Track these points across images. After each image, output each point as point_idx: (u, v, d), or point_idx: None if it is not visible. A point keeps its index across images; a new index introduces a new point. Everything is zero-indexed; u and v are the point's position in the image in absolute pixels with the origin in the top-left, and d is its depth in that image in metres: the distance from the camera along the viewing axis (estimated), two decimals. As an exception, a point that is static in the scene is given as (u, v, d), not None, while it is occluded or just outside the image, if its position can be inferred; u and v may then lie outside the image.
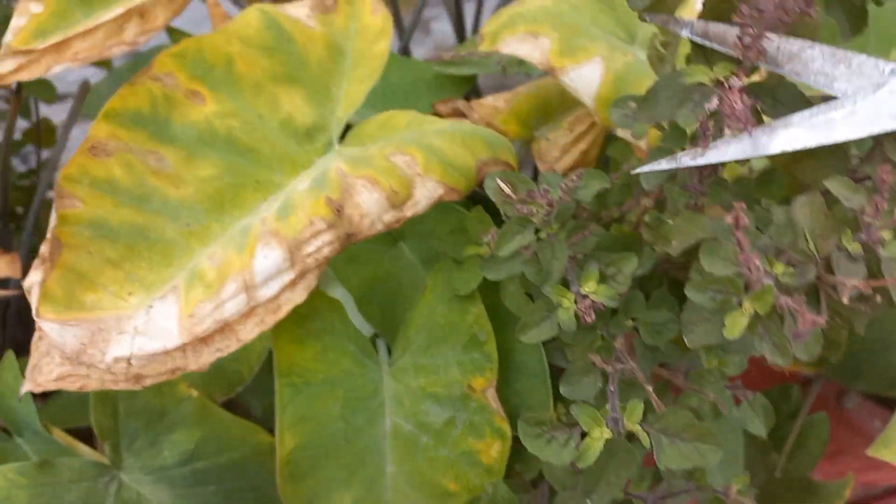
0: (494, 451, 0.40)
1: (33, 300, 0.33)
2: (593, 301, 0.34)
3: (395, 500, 0.39)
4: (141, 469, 0.40)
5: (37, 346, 0.34)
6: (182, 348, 0.34)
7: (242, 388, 0.45)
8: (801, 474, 0.61)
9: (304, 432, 0.38)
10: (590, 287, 0.34)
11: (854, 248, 0.30)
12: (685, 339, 0.32)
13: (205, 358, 0.35)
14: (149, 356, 0.34)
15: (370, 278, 0.44)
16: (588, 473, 0.34)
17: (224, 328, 0.35)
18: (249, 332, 0.36)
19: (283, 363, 0.38)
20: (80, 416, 0.44)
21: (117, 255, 0.35)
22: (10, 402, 0.41)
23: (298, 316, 0.38)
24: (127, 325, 0.34)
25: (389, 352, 0.42)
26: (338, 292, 0.44)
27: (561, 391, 0.36)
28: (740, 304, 0.29)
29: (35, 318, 0.33)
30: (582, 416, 0.33)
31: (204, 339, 0.35)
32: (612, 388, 0.34)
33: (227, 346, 0.35)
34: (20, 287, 0.44)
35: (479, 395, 0.40)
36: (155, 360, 0.34)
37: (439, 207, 0.39)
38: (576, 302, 0.34)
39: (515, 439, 0.41)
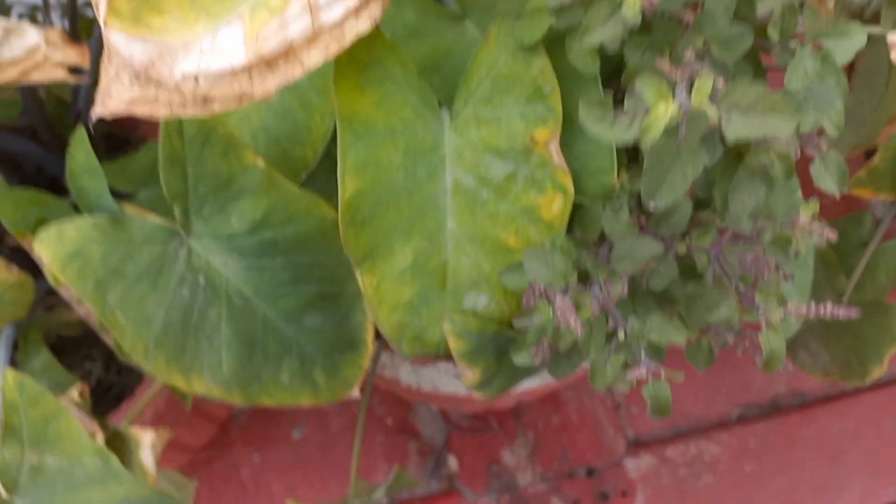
0: (555, 207, 0.39)
1: (101, 12, 0.33)
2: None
3: (456, 254, 0.39)
4: (210, 236, 0.41)
5: (105, 70, 0.34)
6: (248, 71, 0.35)
7: (307, 174, 0.45)
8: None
9: (366, 178, 0.38)
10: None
11: None
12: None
13: (270, 84, 0.35)
14: (216, 75, 0.34)
15: (432, 53, 0.43)
16: (650, 173, 0.32)
17: (289, 52, 0.35)
18: (314, 58, 0.35)
19: (343, 110, 0.38)
20: (148, 178, 0.44)
21: (182, -16, 0.35)
22: (81, 180, 0.42)
23: (359, 62, 0.38)
24: (193, 47, 0.34)
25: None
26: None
27: (626, 102, 0.34)
28: None
29: (102, 27, 0.33)
30: (647, 88, 0.31)
31: (269, 64, 0.35)
32: (682, 85, 0.32)
33: (293, 73, 0.35)
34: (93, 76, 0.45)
35: (541, 149, 0.39)
36: (222, 81, 0.34)
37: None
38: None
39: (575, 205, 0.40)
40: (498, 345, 0.38)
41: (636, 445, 0.88)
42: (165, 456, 0.45)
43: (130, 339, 0.36)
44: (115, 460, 0.33)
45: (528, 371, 0.42)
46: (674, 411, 0.93)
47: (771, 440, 0.88)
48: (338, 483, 0.88)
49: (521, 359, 0.37)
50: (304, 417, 0.91)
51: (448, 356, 0.59)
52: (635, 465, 0.87)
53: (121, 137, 0.67)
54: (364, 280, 0.37)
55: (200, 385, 0.38)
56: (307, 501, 0.86)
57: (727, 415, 0.90)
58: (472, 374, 0.38)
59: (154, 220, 0.40)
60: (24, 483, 0.34)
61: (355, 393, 0.44)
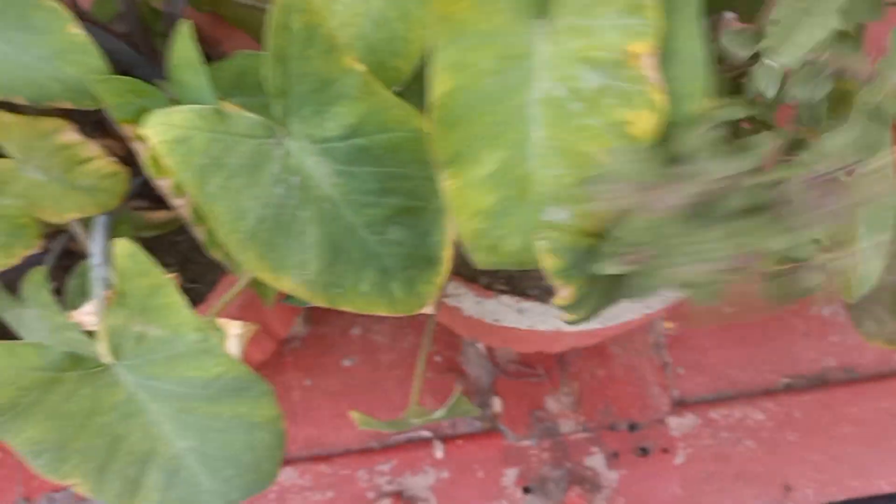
0: (645, 124, 0.39)
1: None
2: None
3: (540, 165, 0.39)
4: (306, 138, 0.42)
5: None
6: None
7: (401, 88, 0.46)
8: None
9: (457, 79, 0.38)
10: None
11: None
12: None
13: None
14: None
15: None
16: (778, 28, 0.32)
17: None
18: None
19: (439, 10, 0.38)
20: (233, 89, 0.46)
21: None
22: (183, 73, 0.44)
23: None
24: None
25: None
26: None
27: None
28: None
29: None
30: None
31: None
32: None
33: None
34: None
35: (636, 63, 0.38)
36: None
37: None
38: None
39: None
40: (591, 262, 0.38)
41: (680, 405, 0.89)
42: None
43: (225, 231, 0.37)
44: (212, 336, 0.35)
45: (619, 292, 0.42)
46: (720, 376, 0.93)
47: (816, 413, 0.88)
48: (384, 412, 0.90)
49: (609, 269, 0.37)
50: (356, 349, 0.93)
51: (516, 274, 0.60)
52: (677, 424, 0.88)
53: (204, 54, 0.69)
54: (448, 184, 0.38)
55: (287, 283, 0.40)
56: (351, 428, 0.89)
57: (774, 383, 0.90)
58: (566, 293, 0.38)
59: (254, 116, 0.41)
60: (128, 350, 0.36)
61: (429, 310, 0.45)
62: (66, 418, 0.35)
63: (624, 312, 0.59)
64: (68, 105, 0.41)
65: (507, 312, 0.60)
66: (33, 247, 0.40)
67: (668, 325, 0.94)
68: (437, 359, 0.93)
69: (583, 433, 0.88)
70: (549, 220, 0.38)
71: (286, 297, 0.45)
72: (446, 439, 0.88)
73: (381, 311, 0.43)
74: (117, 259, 0.33)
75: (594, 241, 0.38)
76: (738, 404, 0.89)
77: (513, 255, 0.39)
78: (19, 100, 0.41)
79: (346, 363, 0.93)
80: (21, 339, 0.51)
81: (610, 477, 0.86)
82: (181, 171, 0.37)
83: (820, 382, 0.90)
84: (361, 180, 0.42)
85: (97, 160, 0.44)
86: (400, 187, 0.43)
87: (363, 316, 0.95)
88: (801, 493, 0.85)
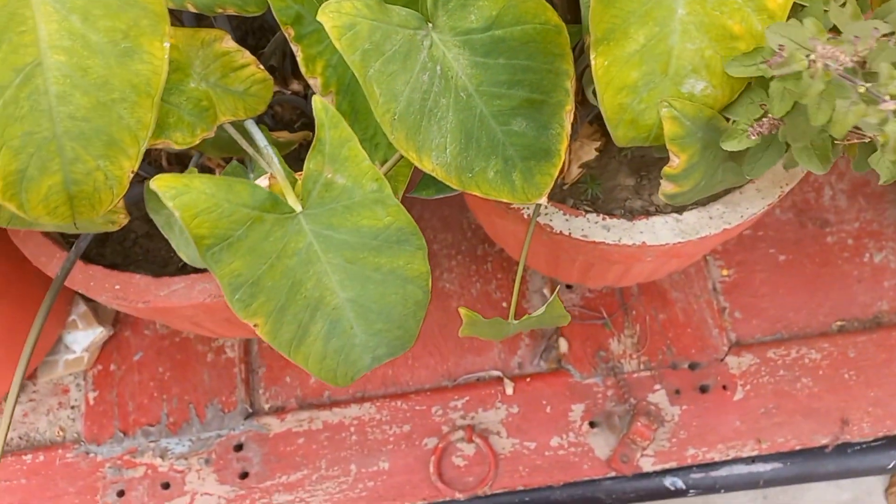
0: None
1: None
2: None
3: (681, 40, 0.43)
4: (450, 30, 0.46)
5: None
6: None
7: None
8: None
9: None
10: None
11: None
12: None
13: None
14: None
15: None
16: None
17: None
18: None
19: None
20: None
21: None
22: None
23: None
24: None
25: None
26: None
27: None
28: None
29: None
30: None
31: None
32: None
33: None
34: None
35: None
36: None
37: None
38: None
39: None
40: (706, 134, 0.43)
41: (738, 347, 0.93)
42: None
43: (381, 111, 0.43)
44: (387, 186, 0.40)
45: (723, 171, 0.46)
46: (776, 319, 0.98)
47: (870, 353, 0.92)
48: (454, 354, 0.95)
49: (731, 145, 0.42)
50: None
51: (601, 197, 0.64)
52: (736, 363, 0.92)
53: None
54: (596, 61, 0.43)
55: (428, 163, 0.45)
56: (425, 368, 0.94)
57: (829, 326, 0.94)
58: (678, 160, 0.43)
59: (408, 9, 0.46)
60: (315, 198, 0.41)
61: (543, 200, 0.50)
62: (261, 257, 0.40)
63: (703, 226, 0.64)
64: (233, 11, 0.47)
65: (594, 228, 0.65)
66: (210, 130, 0.46)
67: (725, 271, 0.98)
68: (504, 305, 0.98)
69: (645, 372, 0.92)
70: (686, 91, 0.42)
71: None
72: (515, 378, 0.93)
73: (504, 198, 0.48)
74: (316, 111, 0.38)
75: (715, 114, 0.43)
76: (794, 345, 0.93)
77: (650, 128, 0.44)
78: (190, 8, 0.46)
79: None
80: (168, 241, 0.57)
81: (672, 411, 0.90)
82: (349, 53, 0.42)
83: (874, 325, 0.94)
84: (494, 72, 0.47)
85: (250, 67, 0.49)
86: (526, 80, 0.47)
87: (431, 263, 1.01)
88: (858, 426, 0.89)
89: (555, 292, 0.59)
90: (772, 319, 0.95)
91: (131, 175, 0.42)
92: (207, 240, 0.38)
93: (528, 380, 0.93)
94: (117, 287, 0.63)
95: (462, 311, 0.60)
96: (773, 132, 0.42)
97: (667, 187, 0.46)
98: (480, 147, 0.47)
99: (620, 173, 0.69)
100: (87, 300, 0.95)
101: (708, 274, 0.97)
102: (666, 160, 0.69)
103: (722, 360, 0.92)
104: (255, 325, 0.41)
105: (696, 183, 0.46)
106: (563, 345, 0.94)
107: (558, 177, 0.67)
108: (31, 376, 0.94)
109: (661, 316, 0.95)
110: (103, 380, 0.94)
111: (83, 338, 0.92)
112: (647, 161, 0.70)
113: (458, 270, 1.00)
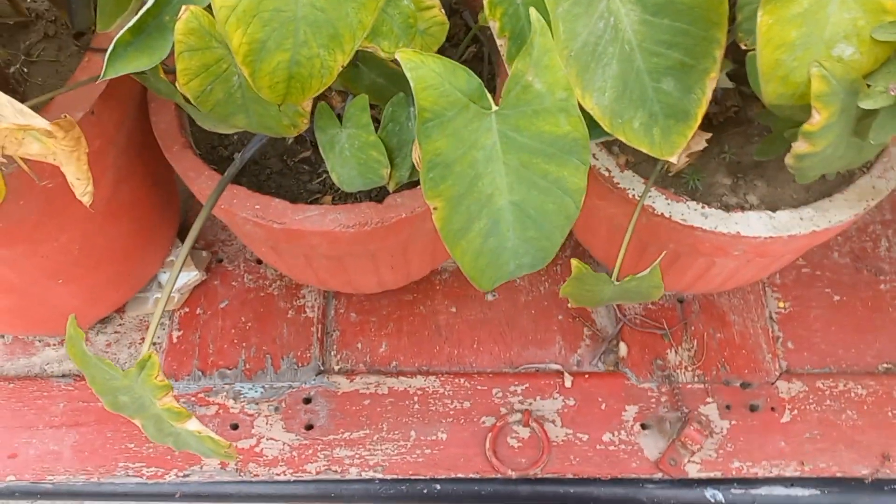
0: None
1: None
2: None
3: (840, 8, 0.48)
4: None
5: None
6: None
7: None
8: None
9: None
10: None
11: None
12: None
13: None
14: None
15: None
16: None
17: None
18: None
19: None
20: None
21: None
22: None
23: None
24: None
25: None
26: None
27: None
28: None
29: None
30: None
31: None
32: None
33: None
34: None
35: None
36: None
37: None
38: None
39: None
40: (847, 98, 0.49)
41: (788, 374, 0.98)
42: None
43: (561, 46, 0.49)
44: (574, 97, 0.46)
45: (858, 133, 0.52)
46: (826, 354, 1.03)
47: (915, 396, 0.96)
48: (518, 344, 1.00)
49: (868, 103, 0.48)
50: (498, 287, 1.04)
51: (700, 190, 0.70)
52: (786, 388, 0.97)
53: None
54: (762, 19, 0.49)
55: (589, 101, 0.51)
56: (489, 354, 0.99)
57: (875, 367, 0.99)
58: (819, 116, 0.49)
59: None
60: (511, 98, 0.46)
61: (674, 159, 0.56)
62: (460, 142, 0.45)
63: (794, 226, 0.70)
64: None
65: (692, 215, 0.71)
66: (410, 44, 0.53)
67: (782, 304, 1.03)
68: (570, 305, 1.04)
69: (699, 384, 0.97)
70: (835, 55, 0.49)
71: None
72: (574, 374, 0.98)
73: (643, 148, 0.54)
74: (532, 19, 0.44)
75: (859, 77, 0.49)
76: (842, 378, 0.97)
77: (797, 86, 0.50)
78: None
79: (489, 297, 1.03)
80: (327, 160, 0.63)
81: (722, 425, 0.94)
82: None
83: (919, 371, 0.99)
84: (658, 31, 0.52)
85: (434, 9, 0.56)
86: (683, 43, 0.53)
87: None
88: (898, 463, 0.93)
89: (657, 260, 0.65)
90: (822, 353, 1.00)
91: (340, 69, 0.49)
92: (427, 113, 0.44)
93: (587, 377, 0.97)
94: (257, 207, 0.69)
95: (574, 262, 0.66)
96: (907, 95, 0.48)
97: (800, 147, 0.51)
98: (632, 98, 0.53)
99: (719, 173, 0.76)
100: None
101: (766, 304, 1.02)
102: (762, 165, 0.75)
103: (773, 383, 0.97)
104: (434, 208, 0.47)
105: (826, 146, 0.52)
106: (622, 349, 0.99)
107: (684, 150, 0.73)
108: (118, 309, 1.00)
109: (718, 335, 1.00)
110: (188, 321, 0.99)
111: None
112: (743, 165, 0.76)
113: (529, 269, 1.05)
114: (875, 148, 0.54)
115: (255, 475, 0.90)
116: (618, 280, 0.67)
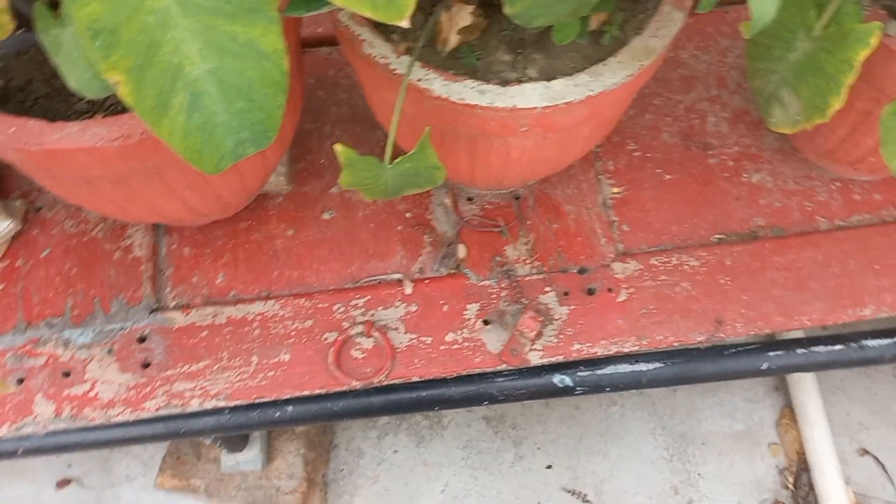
0: None
1: None
2: None
3: None
4: None
5: None
6: None
7: None
8: None
9: None
10: None
11: None
12: None
13: None
14: None
15: None
16: None
17: None
18: None
19: None
20: None
21: None
22: None
23: None
24: None
25: None
26: None
27: None
28: None
29: None
30: None
31: None
32: None
33: None
34: None
35: None
36: None
37: None
38: None
39: None
40: None
41: (624, 255, 0.99)
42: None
43: None
44: None
45: None
46: (661, 232, 1.05)
47: (745, 261, 0.99)
48: (360, 259, 0.99)
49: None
50: (334, 205, 1.03)
51: (479, 68, 0.69)
52: (621, 269, 0.98)
53: None
54: None
55: None
56: (330, 272, 0.98)
57: (708, 239, 1.01)
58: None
59: None
60: None
61: (405, 23, 0.54)
62: (118, 5, 0.43)
63: (569, 93, 0.70)
64: None
65: (470, 94, 0.70)
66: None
67: (616, 189, 1.05)
68: (408, 215, 1.03)
69: (537, 275, 0.97)
70: None
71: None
72: (415, 280, 0.98)
73: (367, 13, 0.52)
74: None
75: None
76: (676, 253, 0.99)
77: None
78: None
79: (326, 216, 1.02)
80: (57, 64, 0.60)
81: (561, 311, 0.96)
82: None
83: (749, 238, 1.01)
84: None
85: None
86: None
87: (339, 176, 1.05)
88: (731, 326, 0.95)
89: (424, 135, 0.64)
90: (657, 232, 1.01)
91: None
92: (69, -26, 0.42)
93: (427, 282, 0.97)
94: (12, 130, 0.66)
95: (338, 147, 0.64)
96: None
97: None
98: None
99: (499, 50, 0.75)
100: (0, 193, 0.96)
101: (599, 190, 1.03)
102: (543, 39, 0.75)
103: (608, 266, 0.98)
104: (116, 84, 0.45)
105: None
106: (461, 251, 0.99)
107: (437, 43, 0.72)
108: (-65, 273, 0.95)
109: (554, 226, 1.01)
110: (9, 274, 0.95)
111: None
112: (525, 41, 0.76)
113: (365, 184, 1.04)
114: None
115: (91, 419, 0.88)
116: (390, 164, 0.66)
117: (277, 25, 0.46)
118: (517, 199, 1.03)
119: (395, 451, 1.34)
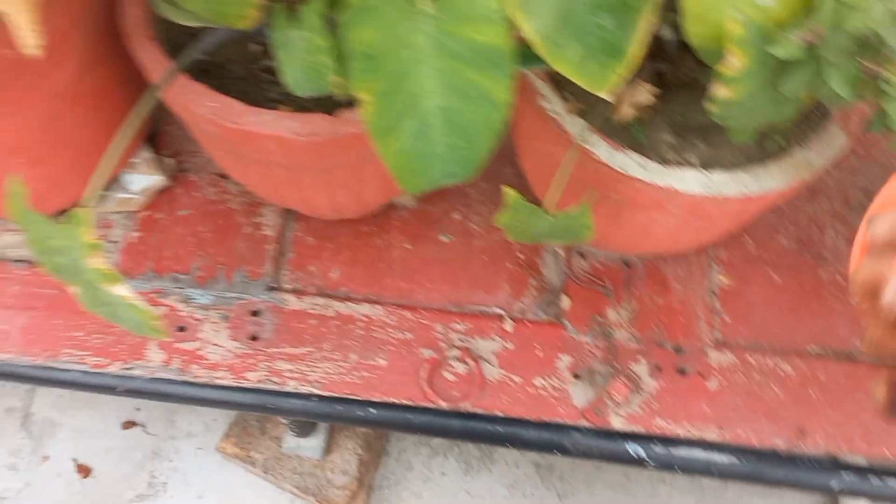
0: None
1: None
2: None
3: None
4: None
5: None
6: None
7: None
8: None
9: None
10: None
11: None
12: None
13: None
14: None
15: None
16: None
17: None
18: None
19: None
20: None
21: None
22: None
23: None
24: None
25: None
26: None
27: None
28: None
29: None
30: None
31: None
32: None
33: None
34: None
35: None
36: None
37: None
38: None
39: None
40: (764, 43, 0.51)
41: (722, 345, 1.01)
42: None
43: None
44: (503, 5, 0.48)
45: (766, 107, 0.54)
46: (760, 330, 1.06)
47: (839, 380, 1.00)
48: (468, 287, 1.03)
49: (778, 50, 0.50)
50: (454, 229, 1.07)
51: (644, 143, 0.73)
52: (716, 357, 1.00)
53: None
54: None
55: (528, 28, 0.53)
56: (438, 292, 1.02)
57: (805, 348, 1.03)
58: (734, 59, 0.52)
59: None
60: (445, 2, 0.48)
61: (606, 95, 0.58)
62: (388, 37, 0.47)
63: (727, 187, 0.73)
64: None
65: (632, 165, 0.74)
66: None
67: (726, 279, 1.07)
68: (520, 255, 1.07)
69: (633, 343, 1.00)
70: (757, 2, 0.51)
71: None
72: (516, 319, 1.01)
73: (578, 80, 0.57)
74: None
75: (775, 28, 0.52)
76: (772, 356, 1.01)
77: (717, 27, 0.53)
78: None
79: (444, 239, 1.06)
80: (280, 60, 0.66)
81: (650, 384, 0.98)
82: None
83: (846, 357, 1.02)
84: None
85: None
86: None
87: (464, 204, 1.09)
88: (813, 439, 0.96)
89: (587, 198, 0.67)
90: (757, 330, 1.03)
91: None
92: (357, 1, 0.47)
93: (527, 324, 1.00)
94: (215, 105, 0.72)
95: (507, 190, 0.68)
96: (815, 44, 0.51)
97: (719, 91, 0.54)
98: (570, 29, 0.55)
99: (664, 131, 0.79)
100: (156, 148, 1.03)
101: (709, 276, 1.06)
102: (706, 129, 0.78)
103: (704, 351, 1.00)
104: (363, 102, 0.49)
105: (746, 95, 0.54)
106: (565, 301, 1.02)
107: (613, 111, 0.76)
108: (78, 204, 1.02)
109: (658, 300, 1.03)
110: (148, 224, 1.02)
111: (141, 181, 1.00)
112: (689, 126, 0.79)
113: (487, 216, 1.08)
114: (793, 103, 0.57)
115: (196, 376, 0.94)
116: (550, 208, 0.70)
117: (511, 80, 0.50)
118: (627, 265, 1.06)
119: (443, 474, 1.37)
